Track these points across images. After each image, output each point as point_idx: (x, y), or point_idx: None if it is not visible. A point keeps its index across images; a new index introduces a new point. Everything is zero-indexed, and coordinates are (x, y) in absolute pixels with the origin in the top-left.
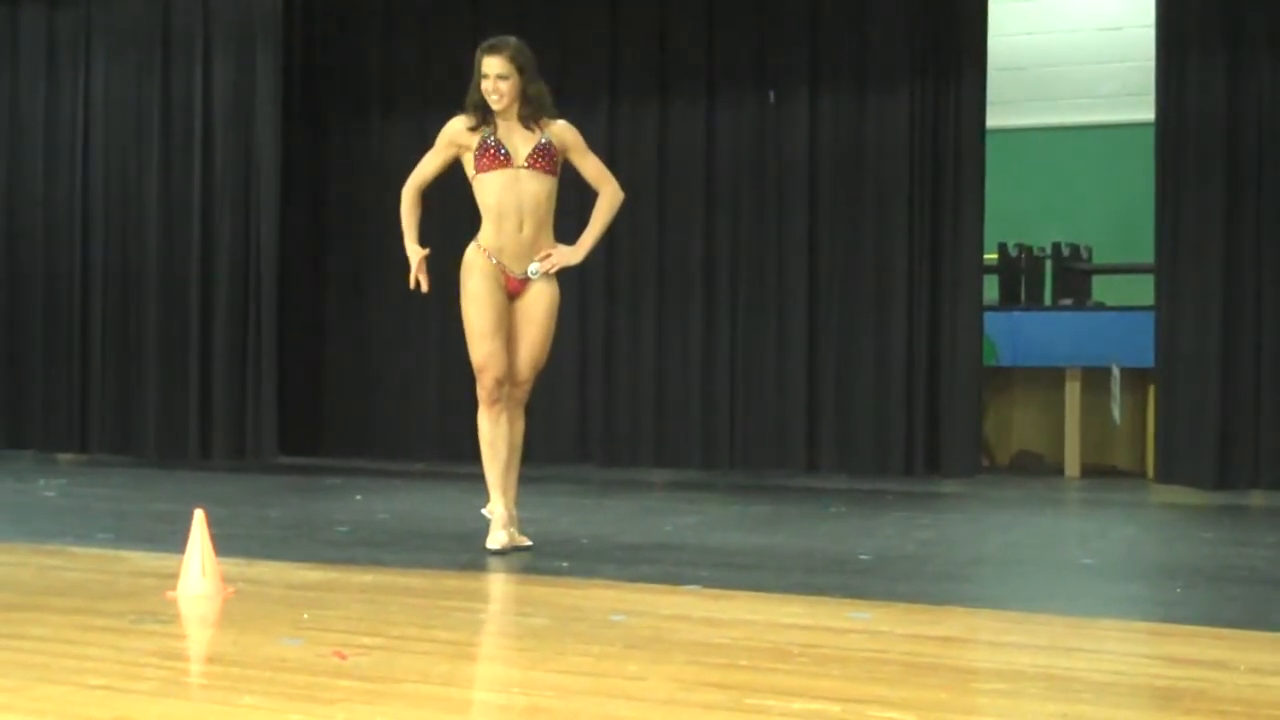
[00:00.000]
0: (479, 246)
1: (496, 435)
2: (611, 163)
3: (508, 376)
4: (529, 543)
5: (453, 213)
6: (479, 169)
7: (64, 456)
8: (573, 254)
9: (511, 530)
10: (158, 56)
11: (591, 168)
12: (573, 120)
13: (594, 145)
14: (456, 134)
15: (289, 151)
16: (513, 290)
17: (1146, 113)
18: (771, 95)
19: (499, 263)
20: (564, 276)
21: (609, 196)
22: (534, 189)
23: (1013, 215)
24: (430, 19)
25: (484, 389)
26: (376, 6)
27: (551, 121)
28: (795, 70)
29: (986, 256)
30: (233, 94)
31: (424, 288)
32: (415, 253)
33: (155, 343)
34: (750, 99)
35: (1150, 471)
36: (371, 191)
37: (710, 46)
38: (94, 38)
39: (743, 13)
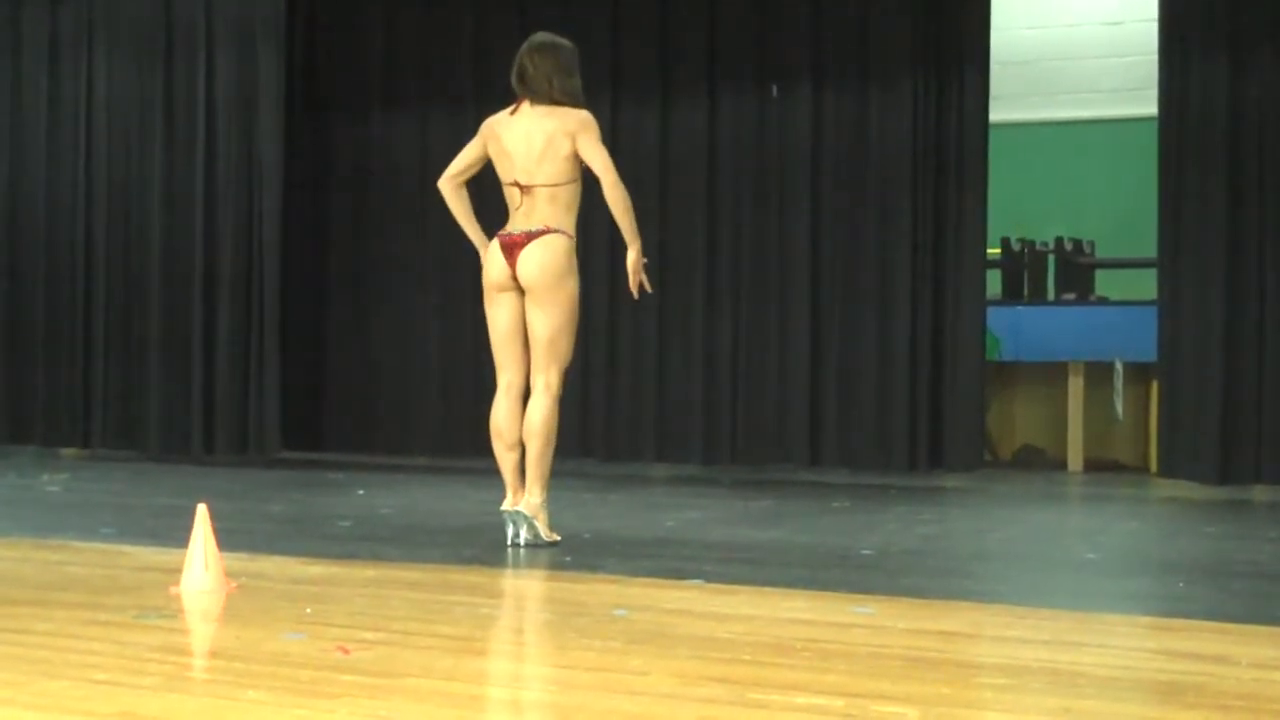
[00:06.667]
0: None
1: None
2: (614, 156)
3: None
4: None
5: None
6: None
7: (67, 451)
8: None
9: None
10: (160, 52)
11: None
12: None
13: None
14: None
15: (292, 146)
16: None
17: (1149, 107)
18: (774, 89)
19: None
20: None
21: None
22: None
23: (1015, 210)
24: (432, 14)
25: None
26: (378, 1)
27: None
28: (798, 64)
29: (989, 251)
30: (235, 89)
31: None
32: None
33: (158, 338)
34: (753, 93)
35: (1153, 466)
36: (374, 186)
37: (713, 40)
38: (96, 33)
39: (745, 6)
